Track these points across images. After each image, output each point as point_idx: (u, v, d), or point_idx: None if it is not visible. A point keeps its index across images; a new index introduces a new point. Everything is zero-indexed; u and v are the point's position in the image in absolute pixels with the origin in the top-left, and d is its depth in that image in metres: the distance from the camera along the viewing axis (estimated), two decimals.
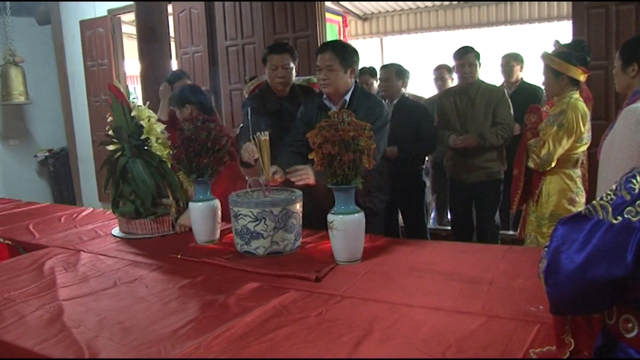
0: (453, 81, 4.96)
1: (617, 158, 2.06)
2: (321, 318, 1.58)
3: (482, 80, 3.91)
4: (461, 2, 8.05)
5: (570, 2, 4.35)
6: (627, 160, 2.00)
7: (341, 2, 7.94)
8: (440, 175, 4.84)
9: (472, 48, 3.89)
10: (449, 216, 5.14)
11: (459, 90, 3.96)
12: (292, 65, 3.10)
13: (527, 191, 3.12)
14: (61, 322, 1.63)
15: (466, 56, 3.84)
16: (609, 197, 1.06)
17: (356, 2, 8.20)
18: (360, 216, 2.05)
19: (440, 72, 5.00)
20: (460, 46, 3.95)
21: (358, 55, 2.76)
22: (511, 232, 4.43)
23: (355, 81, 2.80)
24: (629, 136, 2.03)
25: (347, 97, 2.73)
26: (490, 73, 5.05)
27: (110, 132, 2.67)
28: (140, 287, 1.94)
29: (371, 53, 8.80)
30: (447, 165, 4.11)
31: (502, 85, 4.88)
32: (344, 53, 2.66)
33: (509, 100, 3.87)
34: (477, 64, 3.85)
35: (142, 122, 2.59)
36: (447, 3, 8.14)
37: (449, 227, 5.00)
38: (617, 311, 1.09)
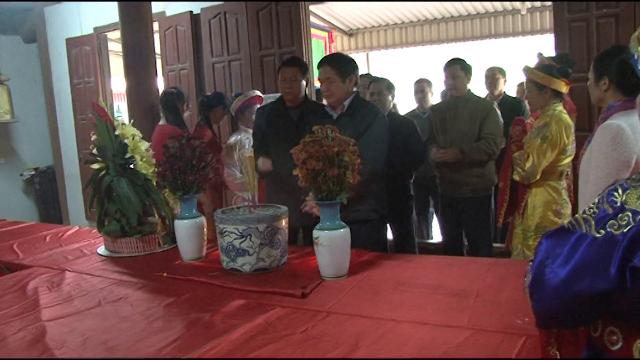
0: (433, 95, 4.98)
1: (596, 176, 2.08)
2: (307, 335, 1.58)
3: (472, 93, 3.85)
4: (445, 17, 8.13)
5: (552, 16, 4.40)
6: (606, 178, 2.01)
7: (327, 18, 8.00)
8: (420, 190, 4.85)
9: (460, 60, 3.82)
10: (432, 230, 5.17)
11: (448, 104, 3.93)
12: (300, 78, 3.27)
13: (513, 204, 3.13)
14: (44, 343, 1.61)
15: (450, 68, 3.79)
16: (591, 211, 1.06)
17: (342, 18, 8.27)
18: (345, 231, 2.05)
19: (421, 85, 4.98)
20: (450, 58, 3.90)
21: (355, 64, 2.95)
22: (498, 245, 4.44)
23: (357, 90, 2.97)
24: (606, 153, 2.04)
25: (346, 103, 2.89)
26: (474, 86, 5.09)
27: (95, 151, 2.66)
28: (125, 306, 1.93)
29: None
30: (438, 181, 4.07)
31: (485, 97, 4.92)
32: (340, 64, 2.87)
33: (498, 113, 3.77)
34: (463, 76, 3.76)
35: (126, 141, 2.58)
36: (431, 18, 8.22)
37: (433, 241, 5.03)
38: (602, 324, 1.09)
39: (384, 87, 3.91)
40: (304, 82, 3.32)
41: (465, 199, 3.78)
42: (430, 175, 4.56)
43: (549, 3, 4.98)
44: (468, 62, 3.83)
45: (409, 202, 4.03)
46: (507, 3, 7.44)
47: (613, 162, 2.03)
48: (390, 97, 3.95)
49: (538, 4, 7.30)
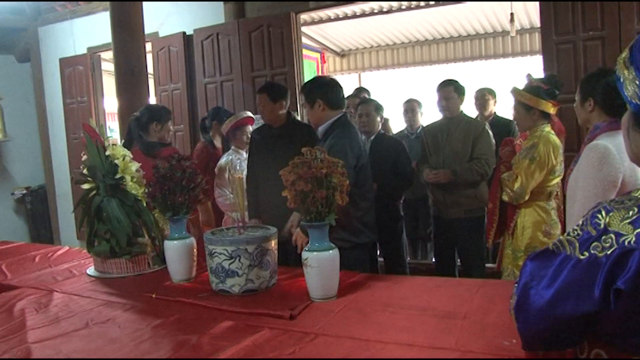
0: (423, 115, 5.02)
1: (583, 196, 2.09)
2: (294, 356, 1.57)
3: (464, 114, 3.89)
4: (436, 38, 8.23)
5: (540, 38, 4.47)
6: (593, 198, 2.02)
7: (319, 39, 8.07)
8: (409, 211, 4.85)
9: (453, 81, 3.85)
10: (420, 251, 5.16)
11: (440, 124, 3.94)
12: (269, 102, 3.42)
13: (502, 224, 3.15)
14: None
15: (443, 89, 3.82)
16: (575, 233, 1.07)
17: (334, 39, 8.34)
18: (334, 252, 2.05)
19: (411, 104, 5.00)
20: (443, 79, 3.94)
21: (326, 89, 3.04)
22: (490, 265, 4.44)
23: (344, 114, 3.05)
24: (593, 174, 2.06)
25: (322, 128, 3.01)
26: (466, 107, 5.12)
27: (85, 171, 2.66)
28: (112, 328, 1.91)
29: (349, 88, 8.89)
30: (431, 202, 4.08)
31: (476, 118, 4.94)
32: (304, 91, 3.10)
33: (490, 134, 3.81)
34: (457, 97, 3.80)
35: (116, 161, 2.59)
36: (422, 39, 8.31)
37: (425, 261, 5.02)
38: (588, 346, 1.09)
39: (372, 108, 3.95)
40: (277, 105, 3.43)
41: (458, 220, 3.79)
42: (419, 196, 4.58)
43: (538, 25, 5.05)
44: (461, 83, 3.87)
45: (399, 224, 4.03)
46: (497, 25, 7.55)
47: (599, 183, 2.05)
48: (379, 118, 3.97)
49: (527, 26, 7.41)
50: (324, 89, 3.00)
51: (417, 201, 4.78)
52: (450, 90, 3.80)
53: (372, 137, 3.94)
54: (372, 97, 5.32)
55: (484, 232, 3.78)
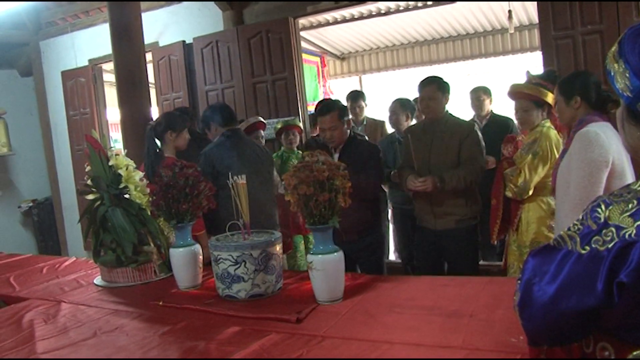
0: (409, 118, 4.61)
1: (578, 175, 2.27)
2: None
3: (450, 114, 3.45)
4: (436, 38, 8.23)
5: (539, 34, 4.47)
6: (588, 177, 2.23)
7: (318, 43, 8.09)
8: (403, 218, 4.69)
9: (436, 78, 3.45)
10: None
11: (424, 126, 3.55)
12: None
13: (506, 220, 3.15)
14: None
15: (425, 88, 3.41)
16: (576, 227, 1.07)
17: (333, 42, 8.35)
18: (339, 255, 2.05)
19: (393, 106, 4.62)
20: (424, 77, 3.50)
21: (218, 114, 3.50)
22: (497, 263, 4.44)
23: (229, 129, 3.42)
24: (586, 154, 2.25)
25: None
26: (467, 107, 5.13)
27: (89, 182, 2.68)
28: (120, 336, 1.92)
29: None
30: (414, 209, 3.63)
31: (472, 119, 4.82)
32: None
33: (479, 135, 3.39)
34: (441, 96, 3.36)
35: (120, 171, 2.60)
36: (422, 39, 8.32)
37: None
38: (594, 339, 1.10)
39: (336, 116, 3.31)
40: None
41: (448, 231, 3.39)
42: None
43: (536, 21, 5.05)
44: (445, 80, 3.46)
45: (377, 223, 3.55)
46: (496, 22, 7.55)
47: (593, 162, 2.23)
48: (345, 126, 3.35)
49: (525, 22, 7.41)
50: (214, 113, 3.51)
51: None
52: (433, 88, 3.37)
53: (340, 148, 3.39)
54: (373, 99, 5.31)
55: (476, 242, 3.49)
